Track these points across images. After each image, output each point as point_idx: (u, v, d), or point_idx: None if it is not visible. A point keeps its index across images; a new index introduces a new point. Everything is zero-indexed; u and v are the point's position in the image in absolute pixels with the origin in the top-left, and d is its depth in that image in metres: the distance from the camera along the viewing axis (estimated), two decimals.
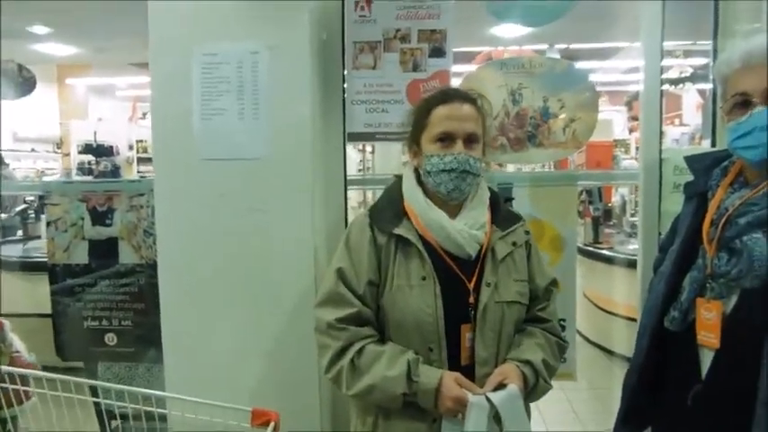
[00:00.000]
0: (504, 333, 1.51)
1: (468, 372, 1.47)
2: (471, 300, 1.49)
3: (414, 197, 1.55)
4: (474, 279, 1.51)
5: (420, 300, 1.47)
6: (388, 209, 1.57)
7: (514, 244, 1.57)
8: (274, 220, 1.85)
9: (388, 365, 1.44)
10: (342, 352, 1.48)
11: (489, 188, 1.64)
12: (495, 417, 1.40)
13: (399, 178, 1.63)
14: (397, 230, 1.51)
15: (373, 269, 1.52)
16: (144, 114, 10.19)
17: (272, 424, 1.60)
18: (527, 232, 1.63)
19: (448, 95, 1.56)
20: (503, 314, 1.51)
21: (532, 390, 1.50)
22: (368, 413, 1.55)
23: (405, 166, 1.65)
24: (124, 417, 1.77)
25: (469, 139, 1.51)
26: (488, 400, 1.39)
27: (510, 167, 3.00)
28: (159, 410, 1.71)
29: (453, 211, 1.55)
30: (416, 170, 1.59)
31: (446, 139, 1.50)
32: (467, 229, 1.51)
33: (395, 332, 1.51)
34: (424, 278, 1.48)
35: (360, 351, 1.47)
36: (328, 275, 1.56)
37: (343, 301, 1.51)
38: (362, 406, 1.57)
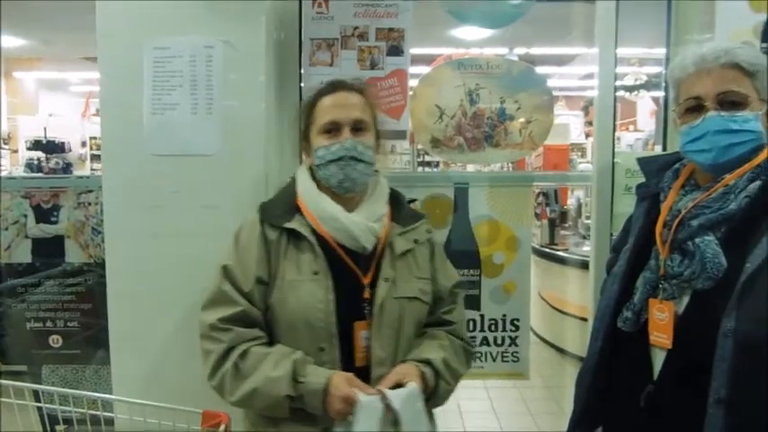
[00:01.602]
0: (404, 332, 1.45)
1: (364, 374, 1.40)
2: (367, 295, 1.43)
3: (307, 191, 1.50)
4: (370, 274, 1.45)
5: (311, 296, 1.40)
6: (281, 204, 1.51)
7: (416, 241, 1.52)
8: (227, 217, 1.81)
9: (272, 367, 1.35)
10: (225, 355, 1.39)
11: (391, 187, 1.59)
12: (394, 421, 1.32)
13: (293, 179, 1.57)
14: (289, 224, 1.45)
15: (262, 266, 1.44)
16: (97, 110, 9.93)
17: (222, 426, 1.56)
18: (429, 231, 1.59)
19: (332, 86, 1.52)
20: (401, 311, 1.44)
21: (434, 391, 1.43)
22: (255, 423, 1.47)
23: (299, 167, 1.61)
24: (69, 421, 1.71)
25: (357, 127, 1.47)
26: (384, 400, 1.31)
27: (469, 168, 3.03)
28: (106, 414, 1.66)
29: (350, 207, 1.49)
30: (311, 169, 1.54)
31: (333, 129, 1.46)
32: (362, 220, 1.45)
33: (284, 332, 1.43)
34: (316, 272, 1.41)
35: (244, 353, 1.39)
36: (215, 275, 1.48)
37: (228, 299, 1.42)
38: (251, 419, 1.49)
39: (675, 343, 1.27)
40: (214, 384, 1.42)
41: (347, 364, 1.41)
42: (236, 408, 1.49)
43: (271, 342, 1.45)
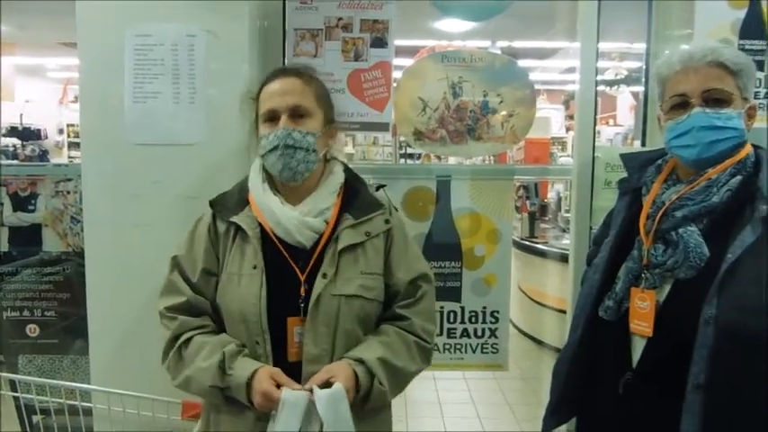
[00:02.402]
0: (341, 329, 1.40)
1: (297, 370, 1.37)
2: (302, 291, 1.40)
3: (254, 184, 1.48)
4: (308, 269, 1.42)
5: (246, 290, 1.40)
6: (234, 196, 1.50)
7: (368, 234, 1.45)
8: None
9: (205, 357, 1.37)
10: (172, 341, 1.43)
11: (352, 173, 1.56)
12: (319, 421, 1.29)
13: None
14: (234, 218, 1.45)
15: (209, 258, 1.46)
16: (76, 97, 9.76)
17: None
18: (387, 221, 1.50)
19: (274, 73, 1.49)
20: (339, 308, 1.39)
21: (367, 393, 1.36)
22: (204, 409, 1.50)
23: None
24: (46, 412, 1.70)
25: (295, 113, 1.43)
26: (311, 397, 1.28)
27: (451, 160, 3.04)
28: (84, 404, 1.66)
29: (298, 198, 1.47)
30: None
31: (273, 117, 1.44)
32: (299, 216, 1.43)
33: (228, 324, 1.44)
34: (254, 267, 1.41)
35: (187, 341, 1.41)
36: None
37: (175, 289, 1.45)
38: (205, 402, 1.50)
39: (656, 330, 1.31)
40: (165, 367, 1.46)
41: (280, 358, 1.39)
42: None
43: (221, 330, 1.46)
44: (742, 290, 1.21)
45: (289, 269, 1.42)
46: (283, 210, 1.43)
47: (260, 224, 1.44)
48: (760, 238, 1.22)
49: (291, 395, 1.28)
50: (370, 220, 1.47)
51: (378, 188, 1.59)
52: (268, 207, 1.44)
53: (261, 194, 1.46)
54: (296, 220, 1.42)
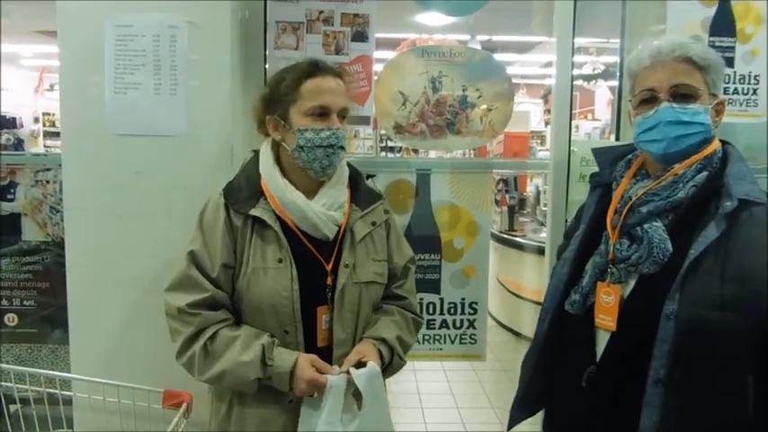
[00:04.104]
0: (362, 313, 1.52)
1: (325, 353, 1.47)
2: (329, 281, 1.48)
3: (271, 177, 1.50)
4: (332, 260, 1.50)
5: (276, 283, 1.44)
6: (245, 188, 1.51)
7: (374, 224, 1.57)
8: (192, 198, 1.80)
9: (241, 350, 1.40)
10: (194, 337, 1.43)
11: (350, 165, 1.62)
12: (355, 394, 1.43)
13: (256, 156, 1.57)
14: (254, 211, 1.46)
15: (228, 251, 1.46)
16: (52, 86, 9.62)
17: (184, 405, 1.59)
18: (386, 211, 1.63)
19: (318, 68, 1.50)
20: (360, 295, 1.50)
21: (387, 366, 1.52)
22: (221, 401, 1.51)
23: (262, 144, 1.59)
24: (25, 401, 1.70)
25: (342, 114, 1.50)
26: (349, 378, 1.41)
27: (432, 154, 3.06)
28: (64, 393, 1.66)
29: (312, 190, 1.51)
30: (275, 146, 1.54)
31: (321, 113, 1.46)
32: (324, 210, 1.48)
33: (251, 316, 1.47)
34: (280, 260, 1.44)
35: (213, 336, 1.43)
36: (181, 259, 1.49)
37: (196, 285, 1.44)
38: (217, 392, 1.53)
39: (619, 325, 1.31)
40: (182, 363, 1.46)
41: (310, 345, 1.47)
42: (197, 388, 1.52)
43: (238, 321, 1.49)
44: (704, 286, 1.21)
45: (314, 261, 1.48)
46: (309, 205, 1.47)
47: (277, 216, 1.48)
48: (723, 235, 1.22)
49: (336, 379, 1.40)
50: (373, 211, 1.58)
51: (367, 177, 1.66)
52: (292, 202, 1.47)
53: (282, 189, 1.48)
54: (323, 215, 1.48)
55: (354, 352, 1.47)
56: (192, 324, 1.43)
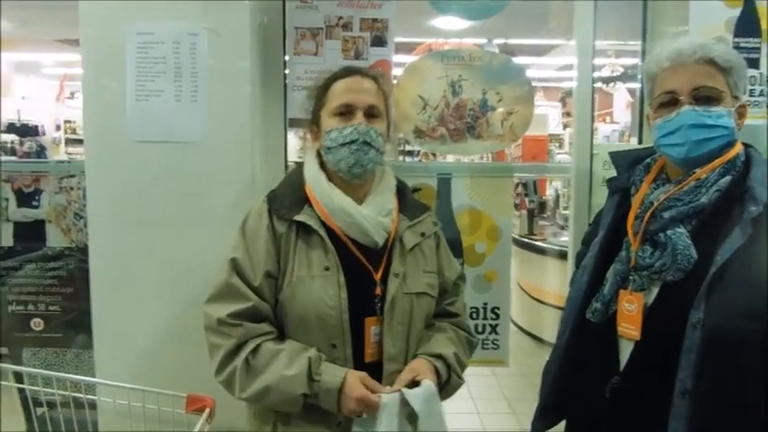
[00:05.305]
0: (414, 327, 1.43)
1: (374, 369, 1.38)
2: (378, 291, 1.40)
3: (316, 182, 1.45)
4: (381, 269, 1.42)
5: (322, 292, 1.36)
6: (289, 195, 1.46)
7: (423, 234, 1.50)
8: (211, 205, 1.82)
9: (286, 364, 1.32)
10: (235, 351, 1.35)
11: (396, 177, 1.57)
12: (409, 416, 1.32)
13: (301, 165, 1.53)
14: (298, 217, 1.40)
15: (271, 259, 1.40)
16: (72, 94, 9.75)
17: (207, 410, 1.59)
18: (435, 223, 1.57)
19: (348, 70, 1.48)
20: (411, 306, 1.42)
21: (445, 385, 1.43)
22: (265, 422, 1.43)
23: (307, 152, 1.56)
24: (51, 404, 1.72)
25: (370, 113, 1.43)
26: (403, 399, 1.30)
27: (449, 158, 3.06)
28: (89, 397, 1.67)
29: (359, 198, 1.45)
30: (319, 155, 1.49)
31: (346, 111, 1.42)
32: (374, 215, 1.42)
33: (295, 328, 1.39)
34: (327, 268, 1.37)
35: (255, 349, 1.35)
36: (221, 267, 1.43)
37: (238, 294, 1.37)
38: (259, 413, 1.46)
39: (643, 334, 1.27)
40: (221, 380, 1.38)
41: (358, 360, 1.39)
42: (220, 392, 1.52)
43: (281, 336, 1.42)
44: (730, 293, 1.17)
45: (362, 269, 1.41)
46: (358, 209, 1.42)
47: (323, 223, 1.42)
48: (749, 240, 1.18)
49: (390, 399, 1.30)
50: (422, 222, 1.52)
51: (413, 191, 1.63)
52: (340, 207, 1.41)
53: (329, 194, 1.42)
54: (375, 220, 1.42)
55: (408, 369, 1.37)
56: (234, 336, 1.35)
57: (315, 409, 1.34)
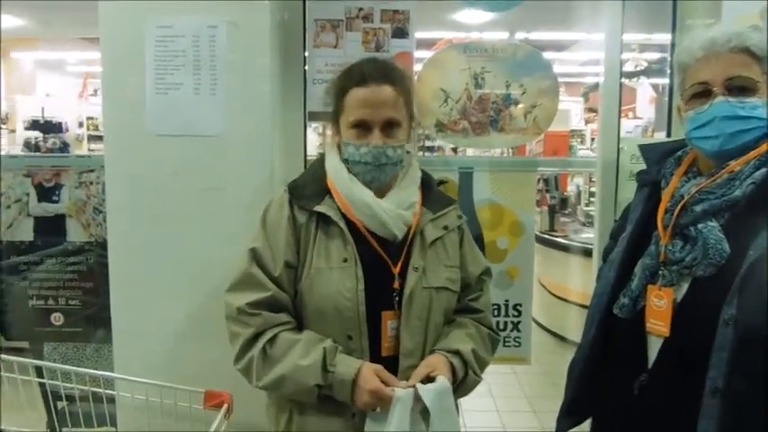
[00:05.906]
0: (432, 322, 1.42)
1: (390, 363, 1.37)
2: (396, 285, 1.40)
3: (337, 174, 1.44)
4: (400, 263, 1.42)
5: (340, 283, 1.36)
6: (310, 185, 1.46)
7: (446, 228, 1.48)
8: (231, 199, 1.80)
9: (302, 354, 1.33)
10: (253, 340, 1.37)
11: (422, 170, 1.55)
12: (423, 412, 1.31)
13: (323, 156, 1.52)
14: (319, 208, 1.40)
15: (291, 250, 1.40)
16: (95, 91, 9.86)
17: (225, 406, 1.58)
18: (460, 216, 1.54)
19: (364, 77, 1.41)
20: (430, 301, 1.41)
21: (461, 382, 1.41)
22: (281, 410, 1.44)
23: (328, 144, 1.55)
24: (71, 398, 1.73)
25: (388, 126, 1.41)
26: (416, 394, 1.30)
27: (470, 151, 3.02)
28: (107, 392, 1.68)
29: (382, 191, 1.45)
30: (340, 148, 1.48)
31: (362, 126, 1.40)
32: (394, 208, 1.41)
33: (313, 319, 1.40)
34: (345, 260, 1.37)
35: (273, 339, 1.36)
36: (242, 257, 1.44)
37: (257, 283, 1.39)
38: (276, 401, 1.47)
39: (673, 331, 1.25)
40: (240, 368, 1.40)
41: (375, 353, 1.38)
42: (238, 388, 1.50)
43: (299, 327, 1.42)
44: (764, 290, 1.13)
45: (381, 262, 1.41)
46: (378, 202, 1.41)
47: (343, 214, 1.42)
48: None
49: (403, 393, 1.29)
50: (445, 215, 1.50)
51: (439, 184, 1.61)
52: (361, 199, 1.40)
53: (350, 186, 1.42)
54: (393, 212, 1.41)
55: (424, 365, 1.37)
56: (252, 325, 1.37)
57: (330, 400, 1.34)
